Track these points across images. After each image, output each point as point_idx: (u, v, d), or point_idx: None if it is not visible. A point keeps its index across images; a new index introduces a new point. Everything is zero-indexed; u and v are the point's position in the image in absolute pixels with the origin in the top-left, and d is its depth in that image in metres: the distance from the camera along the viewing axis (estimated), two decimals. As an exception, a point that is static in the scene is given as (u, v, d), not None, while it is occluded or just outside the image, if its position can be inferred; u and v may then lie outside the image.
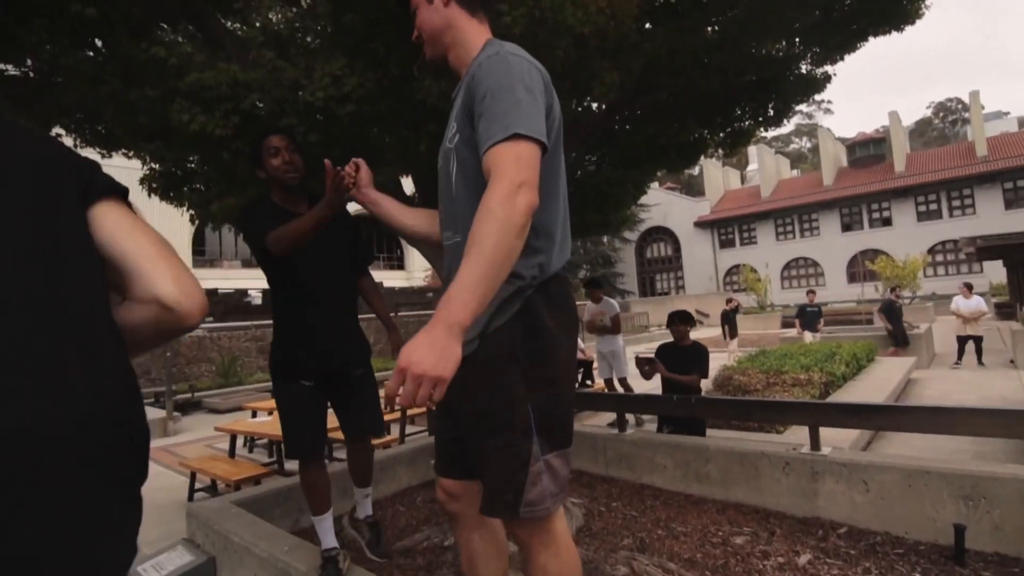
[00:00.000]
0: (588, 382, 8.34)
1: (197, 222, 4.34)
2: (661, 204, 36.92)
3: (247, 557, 2.52)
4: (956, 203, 29.29)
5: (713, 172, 38.71)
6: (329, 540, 2.31)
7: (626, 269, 39.70)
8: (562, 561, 1.27)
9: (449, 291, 1.01)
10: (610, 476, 3.75)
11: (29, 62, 3.09)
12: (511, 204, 1.04)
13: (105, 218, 0.82)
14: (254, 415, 7.31)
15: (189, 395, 10.82)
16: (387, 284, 21.66)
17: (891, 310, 11.44)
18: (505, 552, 1.54)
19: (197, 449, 6.82)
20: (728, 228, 36.76)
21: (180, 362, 12.82)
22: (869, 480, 2.70)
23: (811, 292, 13.89)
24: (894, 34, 3.73)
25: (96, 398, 0.72)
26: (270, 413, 6.59)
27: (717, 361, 5.68)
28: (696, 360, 4.19)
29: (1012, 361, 10.06)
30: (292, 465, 2.44)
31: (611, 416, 5.06)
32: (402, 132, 3.02)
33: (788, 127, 58.58)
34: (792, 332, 13.97)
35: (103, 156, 3.86)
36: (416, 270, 30.35)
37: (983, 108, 31.44)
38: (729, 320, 12.77)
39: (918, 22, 3.66)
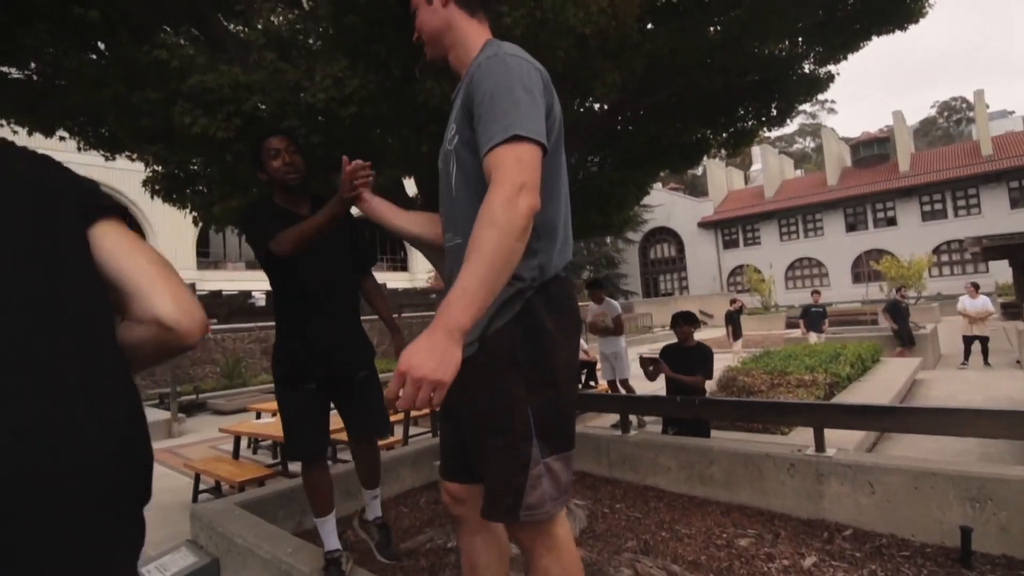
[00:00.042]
0: (592, 383, 8.33)
1: (201, 224, 4.35)
2: (664, 205, 36.84)
3: (250, 559, 2.52)
4: (961, 203, 29.14)
5: (716, 172, 38.63)
6: (332, 542, 2.30)
7: (629, 270, 39.64)
8: (564, 565, 1.27)
9: (450, 295, 1.01)
10: (614, 478, 3.74)
11: (33, 65, 3.10)
12: (512, 207, 1.04)
13: (104, 238, 0.83)
14: (258, 416, 7.33)
15: (194, 396, 10.86)
16: (390, 285, 21.68)
17: (896, 310, 11.39)
18: (506, 557, 1.53)
19: (201, 450, 6.84)
20: (732, 229, 36.68)
21: (185, 363, 12.86)
22: (875, 482, 2.69)
23: (816, 292, 13.86)
24: (897, 33, 3.71)
25: (103, 432, 0.72)
26: (274, 414, 6.59)
27: (721, 362, 5.66)
28: (700, 361, 4.17)
29: (1018, 361, 10.00)
30: (296, 466, 2.43)
31: (615, 417, 5.05)
32: (404, 134, 3.02)
33: (791, 127, 58.39)
34: (796, 333, 13.93)
35: (107, 158, 3.88)
36: (419, 272, 30.36)
37: (988, 107, 31.26)
38: (733, 321, 12.75)
39: (921, 21, 3.64)
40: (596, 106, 4.11)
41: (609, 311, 6.59)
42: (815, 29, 3.66)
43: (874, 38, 3.76)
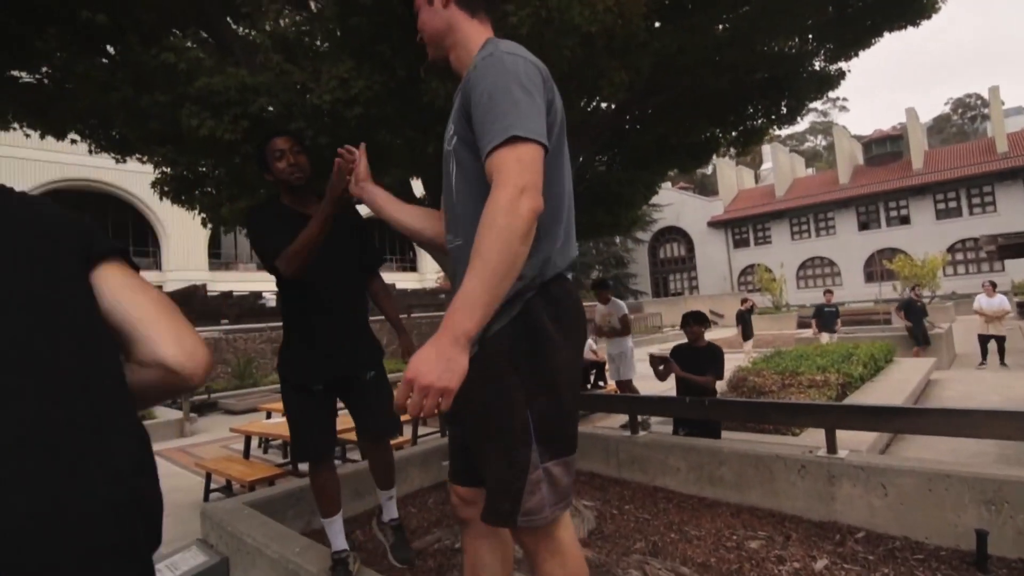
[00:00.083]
0: (600, 383, 8.30)
1: (211, 225, 4.39)
2: (674, 204, 36.68)
3: (259, 558, 2.53)
4: (976, 200, 28.74)
5: (726, 171, 38.37)
6: (339, 542, 2.30)
7: (639, 270, 39.51)
8: (568, 569, 1.25)
9: (454, 301, 1.00)
10: (622, 478, 3.72)
11: (43, 69, 3.13)
12: (514, 210, 1.03)
13: (107, 281, 0.82)
14: (268, 416, 7.36)
15: (205, 396, 10.95)
16: (399, 286, 21.73)
17: (911, 308, 11.26)
18: (510, 562, 1.51)
19: (213, 450, 6.90)
20: (742, 228, 36.42)
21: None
22: (888, 484, 2.65)
23: (828, 292, 13.71)
24: (910, 29, 3.66)
25: (113, 484, 0.70)
26: (284, 414, 6.63)
27: (732, 362, 5.62)
28: (711, 361, 4.14)
29: (1036, 361, 9.84)
30: (305, 466, 2.43)
31: (624, 418, 5.03)
32: (409, 134, 3.02)
33: (802, 125, 57.84)
34: (807, 333, 13.80)
35: (117, 160, 3.92)
36: (428, 272, 30.45)
37: (1003, 104, 30.84)
38: (744, 321, 12.66)
39: (934, 16, 3.59)
40: (603, 105, 4.09)
41: (615, 311, 6.56)
42: (825, 26, 3.61)
43: (886, 34, 3.71)
